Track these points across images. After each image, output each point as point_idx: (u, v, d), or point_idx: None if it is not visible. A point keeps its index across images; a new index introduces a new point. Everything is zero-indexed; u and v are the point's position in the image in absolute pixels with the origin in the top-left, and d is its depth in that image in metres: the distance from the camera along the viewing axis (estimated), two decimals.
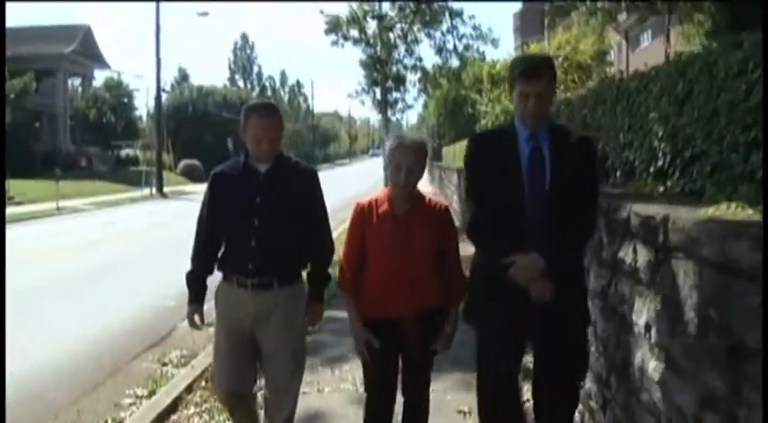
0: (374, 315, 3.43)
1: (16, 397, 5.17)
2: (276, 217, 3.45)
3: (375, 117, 26.37)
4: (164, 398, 5.06)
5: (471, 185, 3.45)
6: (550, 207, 3.08)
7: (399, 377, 3.51)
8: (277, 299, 3.46)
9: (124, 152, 49.04)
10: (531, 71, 3.10)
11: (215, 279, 3.67)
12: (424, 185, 30.56)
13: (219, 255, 3.62)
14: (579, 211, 3.12)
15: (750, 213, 2.54)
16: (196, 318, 3.65)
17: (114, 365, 6.15)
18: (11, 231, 17.58)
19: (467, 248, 3.48)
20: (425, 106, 39.95)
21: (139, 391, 5.39)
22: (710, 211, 2.68)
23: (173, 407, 4.92)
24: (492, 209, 3.20)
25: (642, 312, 3.05)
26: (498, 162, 3.22)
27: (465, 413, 4.48)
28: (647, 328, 2.97)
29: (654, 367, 2.89)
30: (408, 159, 3.33)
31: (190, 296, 3.67)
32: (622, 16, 21.08)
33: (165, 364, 6.07)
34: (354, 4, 16.90)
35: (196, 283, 3.65)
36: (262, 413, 3.79)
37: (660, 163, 4.29)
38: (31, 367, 5.95)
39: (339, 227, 9.04)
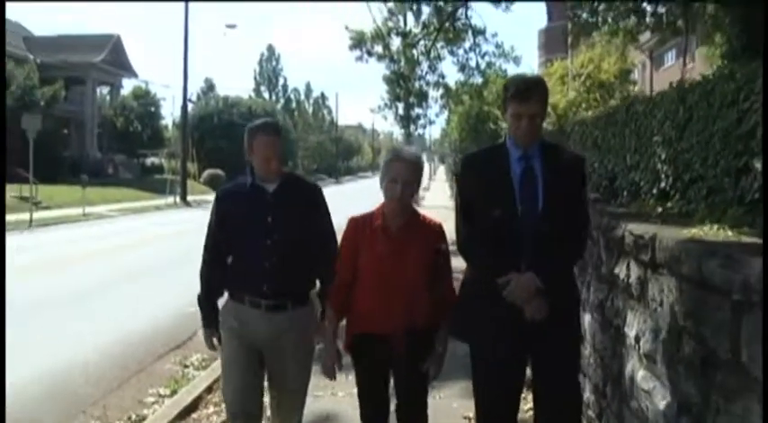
0: (364, 330, 3.40)
1: (47, 392, 5.49)
2: (289, 236, 3.45)
3: (398, 131, 26.57)
4: (185, 397, 5.33)
5: (463, 203, 3.42)
6: (543, 225, 3.11)
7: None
8: (291, 320, 3.47)
9: (149, 160, 49.69)
10: (524, 92, 3.14)
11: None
12: (446, 200, 30.73)
13: (227, 275, 3.62)
14: (571, 229, 3.16)
15: (729, 234, 2.75)
16: (215, 341, 3.68)
17: (138, 366, 6.44)
18: (41, 235, 18.08)
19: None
20: (448, 121, 40.15)
21: (162, 391, 5.68)
22: (693, 232, 2.89)
23: (193, 405, 5.17)
24: (485, 227, 3.21)
25: (633, 325, 3.26)
26: (491, 181, 3.25)
27: (470, 419, 4.68)
28: (637, 339, 3.18)
29: (642, 376, 3.10)
30: (404, 173, 3.30)
31: (204, 320, 3.70)
32: (645, 36, 21.15)
33: (186, 367, 6.34)
34: (379, 21, 17.19)
35: (208, 306, 3.67)
36: None
37: (663, 184, 4.50)
38: (59, 365, 6.27)
39: None
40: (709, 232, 2.86)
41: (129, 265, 12.71)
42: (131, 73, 49.47)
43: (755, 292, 2.03)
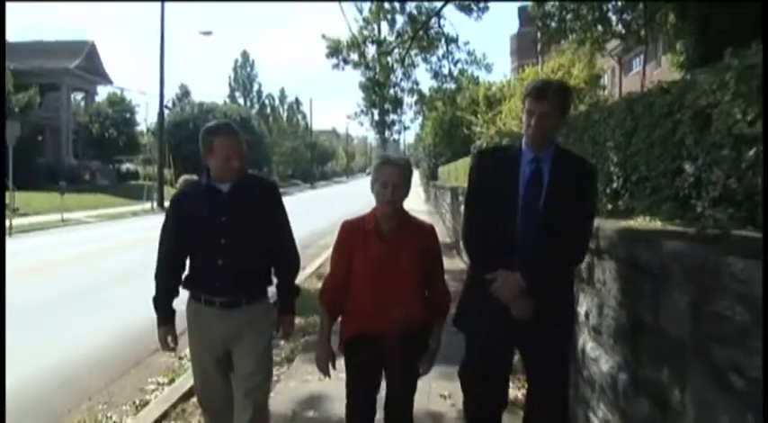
0: (359, 331, 3.48)
1: (55, 381, 5.94)
2: (242, 235, 3.51)
3: (372, 135, 27.18)
4: (183, 383, 5.76)
5: (470, 197, 3.58)
6: (542, 228, 3.19)
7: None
8: (246, 316, 3.55)
9: (125, 166, 49.69)
10: (540, 91, 3.28)
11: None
12: (420, 204, 31.20)
13: (184, 276, 3.68)
14: (571, 235, 3.22)
15: (659, 225, 3.30)
16: (169, 339, 3.71)
17: (137, 358, 6.86)
18: (22, 241, 18.31)
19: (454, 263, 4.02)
20: (422, 126, 40.63)
21: (161, 379, 6.12)
22: (630, 223, 3.44)
23: (191, 392, 5.60)
24: (486, 222, 3.34)
25: (583, 304, 3.81)
26: (499, 179, 3.36)
27: (446, 396, 5.17)
28: (586, 316, 3.73)
29: (590, 347, 3.64)
30: (395, 176, 3.37)
31: (159, 319, 3.71)
32: (615, 42, 21.88)
33: (181, 358, 6.76)
34: (355, 30, 17.71)
35: (163, 305, 3.69)
36: None
37: (615, 185, 5.05)
38: (64, 358, 6.71)
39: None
40: (642, 223, 3.41)
41: (118, 267, 13.05)
42: (106, 79, 49.47)
43: (670, 269, 2.57)
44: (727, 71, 3.26)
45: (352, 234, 3.51)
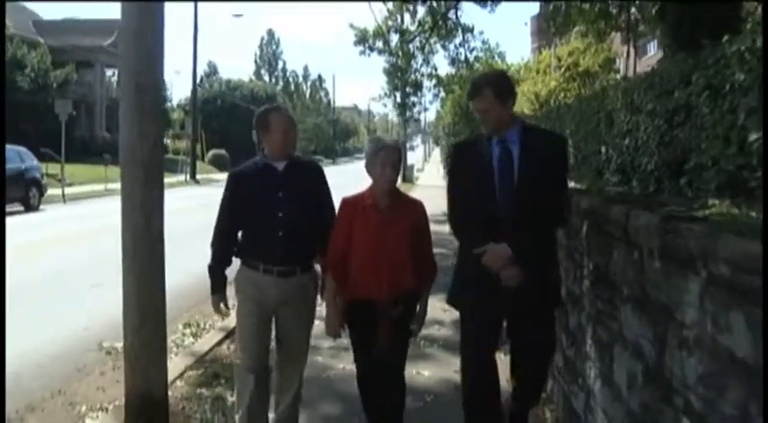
0: (357, 296, 3.76)
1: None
2: (297, 209, 3.78)
3: (393, 113, 28.73)
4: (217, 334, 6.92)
5: (451, 184, 3.94)
6: (519, 201, 3.43)
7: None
8: (298, 284, 3.85)
9: None
10: (471, 93, 3.64)
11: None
12: (440, 179, 32.52)
13: (239, 246, 3.94)
14: (547, 204, 3.48)
15: (581, 186, 5.13)
16: (221, 305, 4.02)
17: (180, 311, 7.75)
18: (77, 207, 20.32)
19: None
20: (442, 106, 42.14)
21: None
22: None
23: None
24: (468, 205, 3.63)
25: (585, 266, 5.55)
26: (473, 164, 3.68)
27: (445, 310, 6.53)
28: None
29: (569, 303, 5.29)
30: (392, 158, 3.69)
31: (213, 286, 3.99)
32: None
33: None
34: (379, 20, 19.55)
35: (218, 274, 3.96)
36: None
37: (571, 161, 6.88)
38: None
39: None
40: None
41: (172, 230, 14.88)
42: None
43: (613, 224, 4.35)
44: (617, 87, 5.10)
45: (352, 209, 3.79)
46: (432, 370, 5.57)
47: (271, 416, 4.06)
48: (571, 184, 4.62)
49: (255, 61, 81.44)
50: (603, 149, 5.48)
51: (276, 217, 3.74)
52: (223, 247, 3.94)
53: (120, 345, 6.13)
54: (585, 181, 5.70)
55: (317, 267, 4.00)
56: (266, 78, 78.36)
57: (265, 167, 3.84)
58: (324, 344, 5.66)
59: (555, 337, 3.95)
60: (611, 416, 3.26)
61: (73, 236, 13.91)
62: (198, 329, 7.05)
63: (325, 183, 4.03)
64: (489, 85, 3.57)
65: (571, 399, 4.14)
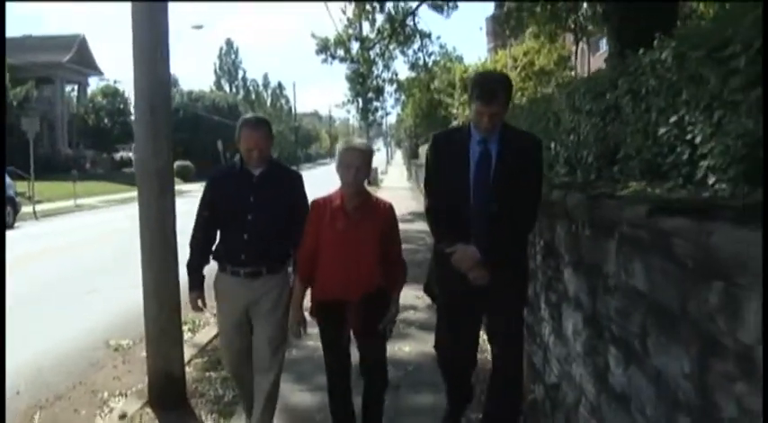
0: (326, 297, 3.79)
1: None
2: (267, 213, 3.87)
3: (354, 116, 29.48)
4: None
5: (428, 176, 3.91)
6: (494, 202, 3.50)
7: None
8: (265, 286, 3.92)
9: (119, 155, 51.35)
10: (487, 95, 3.51)
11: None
12: (403, 181, 33.28)
13: (214, 248, 4.07)
14: (521, 206, 3.58)
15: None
16: (199, 302, 4.13)
17: None
18: (49, 224, 20.67)
19: None
20: (403, 109, 42.93)
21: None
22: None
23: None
24: (443, 201, 3.68)
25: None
26: (451, 160, 3.67)
27: (419, 297, 7.37)
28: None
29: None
30: (357, 160, 3.66)
31: (191, 283, 4.09)
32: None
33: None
34: (340, 29, 20.26)
35: (196, 272, 4.08)
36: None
37: None
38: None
39: None
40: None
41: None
42: (97, 71, 50.89)
43: (556, 205, 5.11)
44: (563, 92, 5.86)
45: (321, 211, 3.80)
46: (411, 346, 6.31)
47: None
48: None
49: (215, 71, 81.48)
50: (553, 145, 6.22)
51: (246, 220, 3.86)
52: (200, 246, 4.07)
53: (125, 342, 6.92)
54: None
55: (290, 270, 4.08)
56: (227, 88, 78.45)
57: (242, 172, 3.95)
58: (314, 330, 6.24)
59: (522, 330, 4.04)
60: (561, 362, 4.00)
61: (55, 249, 14.35)
62: (194, 325, 7.62)
63: (302, 189, 4.10)
64: (505, 89, 3.60)
65: (533, 358, 4.87)
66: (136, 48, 4.54)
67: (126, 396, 5.37)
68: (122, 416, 4.77)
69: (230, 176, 4.01)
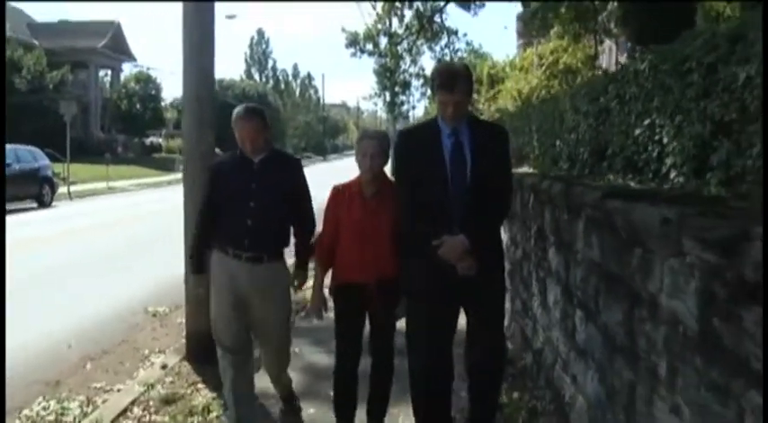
0: (344, 280, 3.90)
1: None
2: (268, 200, 3.90)
3: (381, 109, 29.92)
4: None
5: (400, 174, 3.78)
6: (472, 193, 3.50)
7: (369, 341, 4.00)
8: (267, 271, 3.95)
9: (149, 140, 52.11)
10: (449, 83, 3.49)
11: None
12: None
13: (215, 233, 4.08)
14: (497, 195, 3.60)
15: (532, 171, 6.46)
16: (200, 290, 4.24)
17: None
18: (85, 204, 21.50)
19: None
20: (430, 102, 43.28)
21: None
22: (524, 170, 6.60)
23: None
24: (422, 197, 3.56)
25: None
26: (424, 156, 3.62)
27: None
28: (516, 239, 6.87)
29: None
30: (371, 148, 3.76)
31: (194, 267, 4.23)
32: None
33: None
34: (369, 24, 20.86)
35: (199, 256, 4.17)
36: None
37: (536, 152, 8.22)
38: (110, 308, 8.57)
39: None
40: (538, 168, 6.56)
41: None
42: (131, 58, 51.67)
43: (543, 193, 5.69)
44: (566, 94, 6.43)
45: (340, 197, 3.93)
46: None
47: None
48: (524, 169, 5.93)
49: (246, 61, 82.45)
50: (558, 143, 6.80)
51: (247, 207, 3.88)
52: (203, 231, 4.12)
53: (162, 308, 7.61)
54: (543, 168, 7.05)
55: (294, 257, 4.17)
56: (257, 77, 79.34)
57: (242, 160, 3.96)
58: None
59: (503, 318, 4.01)
60: (545, 329, 4.62)
61: (91, 227, 15.10)
62: None
63: (302, 175, 4.13)
64: (466, 78, 3.56)
65: (525, 330, 5.48)
66: (186, 44, 5.17)
67: (165, 353, 6.04)
68: (163, 366, 5.46)
69: (232, 165, 4.08)
